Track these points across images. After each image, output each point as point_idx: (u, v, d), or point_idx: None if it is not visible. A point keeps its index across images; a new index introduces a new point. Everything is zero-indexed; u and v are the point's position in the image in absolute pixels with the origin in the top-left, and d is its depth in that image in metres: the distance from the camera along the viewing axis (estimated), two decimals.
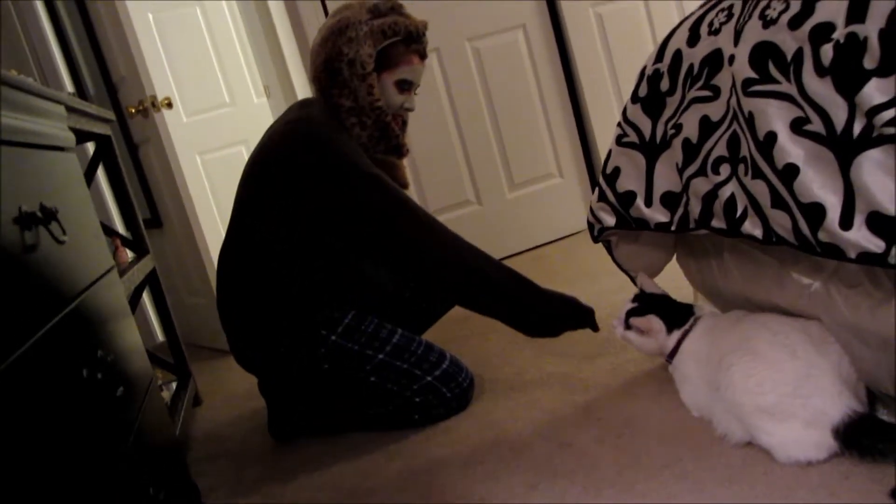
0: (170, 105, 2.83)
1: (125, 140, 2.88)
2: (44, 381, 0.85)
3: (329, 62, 1.67)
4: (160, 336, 3.33)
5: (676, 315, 1.44)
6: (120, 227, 3.08)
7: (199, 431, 2.14)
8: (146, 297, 3.21)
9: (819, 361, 1.18)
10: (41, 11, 2.95)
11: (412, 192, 2.98)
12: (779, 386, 1.17)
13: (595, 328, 1.73)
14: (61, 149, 1.29)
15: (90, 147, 2.83)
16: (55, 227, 1.02)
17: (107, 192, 3.13)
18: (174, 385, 2.32)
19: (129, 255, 2.31)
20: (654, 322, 1.43)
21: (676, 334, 1.42)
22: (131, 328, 1.39)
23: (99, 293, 1.20)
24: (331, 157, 1.60)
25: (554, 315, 1.70)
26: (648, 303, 1.48)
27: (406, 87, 1.74)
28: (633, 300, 1.51)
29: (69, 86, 2.98)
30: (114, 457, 1.01)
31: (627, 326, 1.48)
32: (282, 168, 1.64)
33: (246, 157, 4.45)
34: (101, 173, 3.04)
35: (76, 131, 1.75)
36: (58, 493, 0.79)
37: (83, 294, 1.10)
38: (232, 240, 1.76)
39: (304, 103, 1.77)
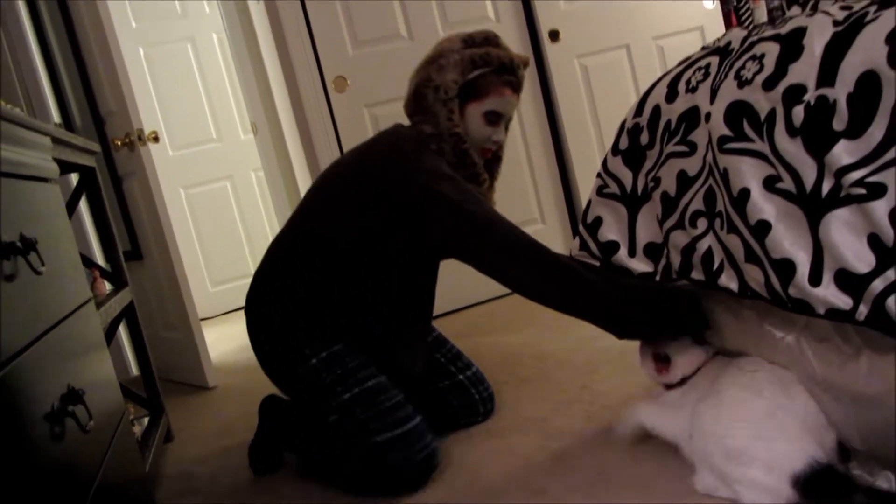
0: (156, 139, 2.84)
1: (109, 172, 2.88)
2: (11, 412, 0.84)
3: (417, 88, 1.67)
4: (134, 370, 3.29)
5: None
6: (100, 258, 3.06)
7: (169, 468, 2.10)
8: (122, 330, 3.18)
9: (785, 403, 1.19)
10: (32, 41, 2.97)
11: None
12: (743, 428, 1.18)
13: (704, 328, 1.46)
14: (45, 180, 1.30)
15: (73, 177, 2.84)
16: (34, 258, 1.02)
17: (88, 223, 3.11)
18: (146, 420, 2.29)
19: (108, 286, 2.30)
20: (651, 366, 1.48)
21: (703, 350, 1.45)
22: (105, 361, 1.38)
23: (74, 325, 1.20)
24: (424, 175, 1.55)
25: (652, 320, 1.47)
26: None
27: (494, 119, 1.68)
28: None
29: (56, 116, 2.99)
30: (82, 491, 1.00)
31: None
32: (371, 178, 1.60)
33: (231, 192, 4.48)
34: (83, 204, 3.03)
35: (60, 162, 1.76)
36: None
37: (58, 326, 1.10)
38: (286, 234, 1.71)
39: (395, 129, 1.72)
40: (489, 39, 1.69)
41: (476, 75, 1.64)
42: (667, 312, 1.45)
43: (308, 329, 1.62)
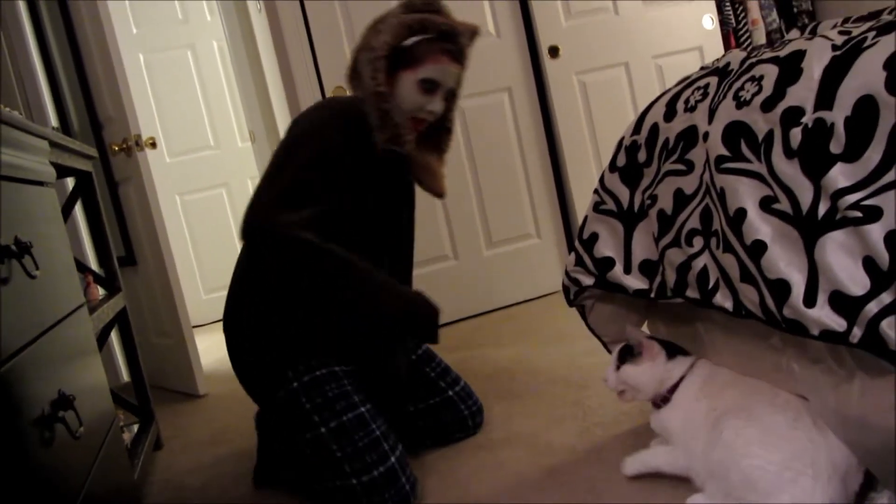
0: (154, 145, 2.84)
1: (106, 177, 2.88)
2: (4, 415, 0.84)
3: (354, 54, 1.64)
4: (125, 376, 3.27)
5: (673, 347, 1.43)
6: (93, 263, 3.05)
7: (158, 477, 2.08)
8: (114, 336, 3.16)
9: (817, 439, 1.16)
10: (31, 44, 2.97)
11: None
12: (770, 452, 1.15)
13: (433, 338, 1.54)
14: (41, 183, 1.30)
15: (69, 181, 2.83)
16: (28, 262, 1.02)
17: (83, 227, 3.10)
18: (136, 427, 2.28)
19: (101, 292, 2.29)
20: (654, 346, 1.41)
21: (681, 364, 1.39)
22: (97, 367, 1.37)
23: (67, 329, 1.19)
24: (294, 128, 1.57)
25: (397, 317, 1.52)
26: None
27: (430, 87, 1.61)
28: (622, 348, 1.47)
29: (54, 120, 2.99)
30: (70, 500, 0.99)
31: (618, 367, 1.43)
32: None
33: (227, 199, 4.48)
34: (78, 208, 3.02)
35: (57, 166, 1.75)
36: None
37: (50, 330, 1.09)
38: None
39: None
40: (430, 4, 1.63)
41: (413, 42, 1.58)
42: (405, 316, 1.51)
43: (288, 343, 1.58)
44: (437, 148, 1.78)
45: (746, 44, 3.64)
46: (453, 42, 1.60)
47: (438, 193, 1.75)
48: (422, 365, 1.88)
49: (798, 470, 1.13)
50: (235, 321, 1.65)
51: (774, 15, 3.70)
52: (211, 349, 3.64)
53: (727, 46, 3.61)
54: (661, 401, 1.41)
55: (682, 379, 1.39)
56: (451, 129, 1.78)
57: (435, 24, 1.58)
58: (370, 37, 1.62)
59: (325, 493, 1.56)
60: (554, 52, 3.30)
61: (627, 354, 1.44)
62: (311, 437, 1.54)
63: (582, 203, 3.37)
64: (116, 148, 2.75)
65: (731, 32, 3.67)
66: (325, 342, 1.61)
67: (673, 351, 1.43)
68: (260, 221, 1.44)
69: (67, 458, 1.02)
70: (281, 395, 1.59)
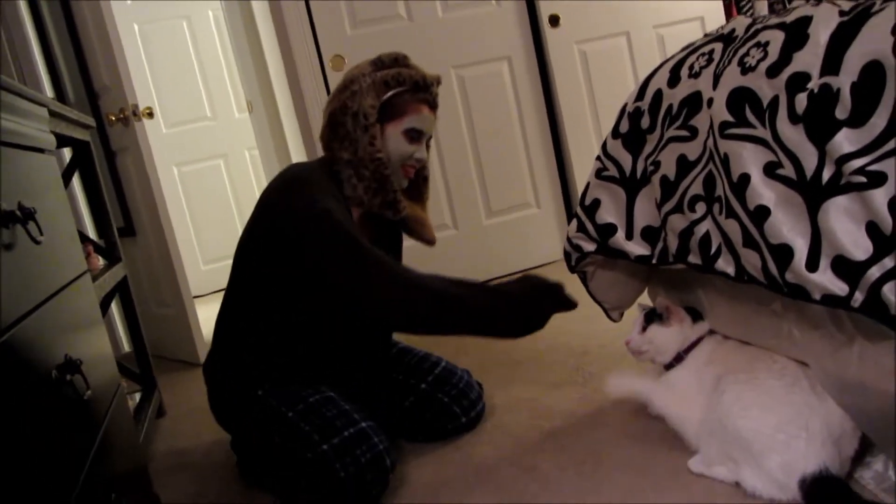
0: (151, 115, 2.82)
1: (103, 147, 2.86)
2: (14, 378, 0.84)
3: (332, 117, 1.64)
4: (126, 346, 3.28)
5: (694, 311, 1.49)
6: (92, 233, 3.05)
7: (161, 443, 2.11)
8: (114, 306, 3.17)
9: (814, 403, 1.18)
10: (25, 14, 2.93)
11: None
12: (766, 415, 1.17)
13: (572, 304, 1.57)
14: (41, 150, 1.29)
15: (66, 152, 2.82)
16: (32, 227, 1.02)
17: (81, 198, 3.09)
18: (138, 396, 2.30)
19: (101, 262, 2.29)
20: (681, 311, 1.47)
21: (700, 328, 1.46)
22: (101, 334, 1.37)
23: (71, 296, 1.19)
24: (295, 199, 1.53)
25: (529, 309, 1.55)
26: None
27: (416, 136, 1.66)
28: (647, 312, 1.53)
29: (49, 90, 2.96)
30: (79, 458, 1.00)
31: (644, 329, 1.49)
32: (256, 212, 1.62)
33: (224, 171, 4.46)
34: (76, 179, 3.01)
35: (56, 135, 1.75)
36: (21, 491, 0.78)
37: (56, 295, 1.10)
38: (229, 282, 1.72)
39: (298, 163, 1.73)
40: (398, 60, 1.67)
41: (391, 95, 1.63)
42: (534, 308, 1.54)
43: (262, 371, 1.62)
44: (419, 195, 1.81)
45: (749, 14, 3.62)
46: (428, 91, 1.67)
47: (430, 241, 1.78)
48: (393, 366, 1.82)
49: (792, 433, 1.15)
50: (214, 358, 1.72)
51: None
52: (210, 319, 3.62)
53: (729, 17, 3.59)
54: (676, 360, 1.46)
55: (699, 340, 1.45)
56: (427, 176, 1.81)
57: (410, 77, 1.64)
58: (346, 99, 1.62)
59: (300, 479, 1.52)
60: (554, 20, 3.27)
61: (654, 317, 1.49)
62: (279, 427, 1.54)
63: (581, 173, 3.36)
64: (113, 118, 2.74)
65: (734, 2, 3.63)
66: (300, 371, 1.64)
67: (695, 316, 1.49)
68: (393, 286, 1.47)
69: (76, 420, 1.03)
70: (247, 407, 1.61)
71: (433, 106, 1.70)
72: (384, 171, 1.60)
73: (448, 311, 1.48)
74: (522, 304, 1.54)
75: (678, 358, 1.46)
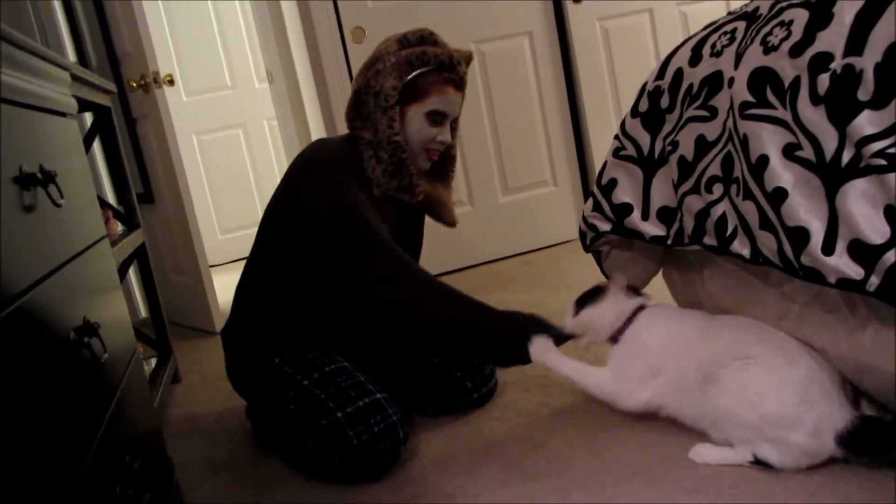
0: (171, 82, 2.83)
1: (124, 113, 2.88)
2: (33, 338, 0.86)
3: (356, 95, 1.63)
4: (143, 312, 3.32)
5: (633, 288, 1.49)
6: (112, 199, 3.08)
7: (175, 408, 2.14)
8: (132, 272, 3.20)
9: (815, 366, 1.20)
10: None
11: None
12: (783, 394, 1.18)
13: (523, 363, 1.53)
14: (63, 114, 1.30)
15: (87, 117, 2.83)
16: (53, 190, 1.03)
17: (101, 164, 3.12)
18: (154, 361, 2.33)
19: (120, 228, 2.32)
20: (617, 286, 1.45)
21: (636, 300, 1.44)
22: (119, 299, 1.39)
23: (90, 260, 1.21)
24: (322, 185, 1.54)
25: (517, 343, 1.51)
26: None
27: (438, 118, 1.61)
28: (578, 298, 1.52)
29: (72, 55, 2.98)
30: (95, 419, 1.02)
31: (576, 313, 1.48)
32: (278, 190, 1.64)
33: (243, 140, 4.48)
34: (96, 144, 3.03)
35: (77, 99, 1.76)
36: (40, 448, 0.80)
37: (76, 258, 1.11)
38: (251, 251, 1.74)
39: (326, 138, 1.72)
40: (424, 38, 1.62)
41: (415, 76, 1.58)
42: (493, 344, 1.51)
43: (278, 339, 1.65)
44: (444, 175, 1.78)
45: None
46: (454, 71, 1.61)
47: (450, 223, 1.77)
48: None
49: (812, 401, 1.16)
50: (232, 325, 1.73)
51: None
52: (226, 289, 3.66)
53: None
54: (612, 339, 1.45)
55: (635, 314, 1.43)
56: (455, 155, 1.78)
57: (435, 56, 1.58)
58: (370, 78, 1.60)
59: (313, 447, 1.52)
60: None
61: (586, 301, 1.48)
62: (293, 394, 1.55)
63: (600, 152, 3.34)
64: (134, 84, 2.75)
65: None
66: (319, 337, 1.66)
67: (632, 291, 1.48)
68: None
69: (93, 382, 1.05)
70: (263, 374, 1.63)
71: (459, 86, 1.64)
72: (401, 155, 1.58)
73: (447, 327, 1.50)
74: (521, 334, 1.51)
75: (614, 338, 1.44)
